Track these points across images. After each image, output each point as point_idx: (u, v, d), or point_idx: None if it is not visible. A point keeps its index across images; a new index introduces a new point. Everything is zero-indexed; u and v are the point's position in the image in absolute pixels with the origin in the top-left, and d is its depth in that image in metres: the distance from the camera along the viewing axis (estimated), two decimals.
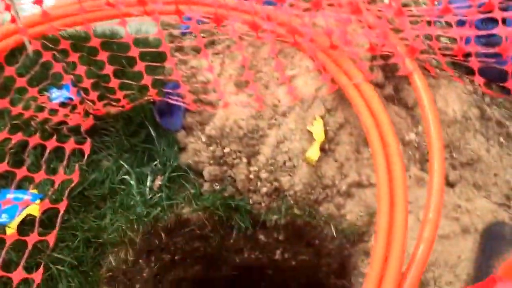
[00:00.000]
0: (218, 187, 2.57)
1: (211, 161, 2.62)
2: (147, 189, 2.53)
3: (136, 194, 2.50)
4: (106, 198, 2.49)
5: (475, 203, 2.51)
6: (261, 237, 2.65)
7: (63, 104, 2.74)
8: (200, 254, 2.73)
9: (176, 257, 2.69)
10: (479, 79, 2.41)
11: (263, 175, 2.54)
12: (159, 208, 2.45)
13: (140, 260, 2.50)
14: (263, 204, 2.55)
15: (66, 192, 2.41)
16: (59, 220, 2.32)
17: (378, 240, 2.04)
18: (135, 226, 2.42)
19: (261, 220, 2.54)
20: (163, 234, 2.54)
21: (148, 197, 2.50)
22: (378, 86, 2.63)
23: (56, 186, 2.45)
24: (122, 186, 2.54)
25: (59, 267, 2.20)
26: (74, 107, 2.73)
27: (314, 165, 2.53)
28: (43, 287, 2.14)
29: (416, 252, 1.97)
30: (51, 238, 2.26)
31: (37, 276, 2.13)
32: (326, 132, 2.56)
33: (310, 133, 2.56)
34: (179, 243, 2.65)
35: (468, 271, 2.34)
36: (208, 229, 2.59)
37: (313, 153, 2.50)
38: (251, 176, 2.56)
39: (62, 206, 2.36)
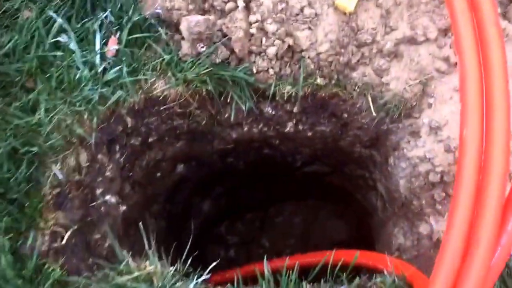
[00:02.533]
0: (204, 49, 1.71)
1: (191, 7, 1.73)
2: (98, 56, 1.67)
3: (81, 65, 1.65)
4: (35, 74, 1.63)
5: None
6: (268, 109, 1.91)
7: None
8: (183, 131, 2.01)
9: (149, 139, 1.97)
10: None
11: (270, 27, 1.68)
12: (119, 91, 1.63)
13: (99, 155, 1.77)
14: (271, 72, 1.74)
15: None
16: None
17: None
18: (86, 119, 1.63)
19: (269, 94, 1.77)
20: (128, 118, 1.79)
21: (100, 69, 1.66)
22: None
23: None
24: (58, 53, 1.66)
25: None
26: None
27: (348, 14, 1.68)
28: None
29: None
30: None
31: None
32: None
33: None
34: (153, 124, 1.90)
35: None
36: (193, 107, 1.83)
37: None
38: (253, 30, 1.69)
39: None
